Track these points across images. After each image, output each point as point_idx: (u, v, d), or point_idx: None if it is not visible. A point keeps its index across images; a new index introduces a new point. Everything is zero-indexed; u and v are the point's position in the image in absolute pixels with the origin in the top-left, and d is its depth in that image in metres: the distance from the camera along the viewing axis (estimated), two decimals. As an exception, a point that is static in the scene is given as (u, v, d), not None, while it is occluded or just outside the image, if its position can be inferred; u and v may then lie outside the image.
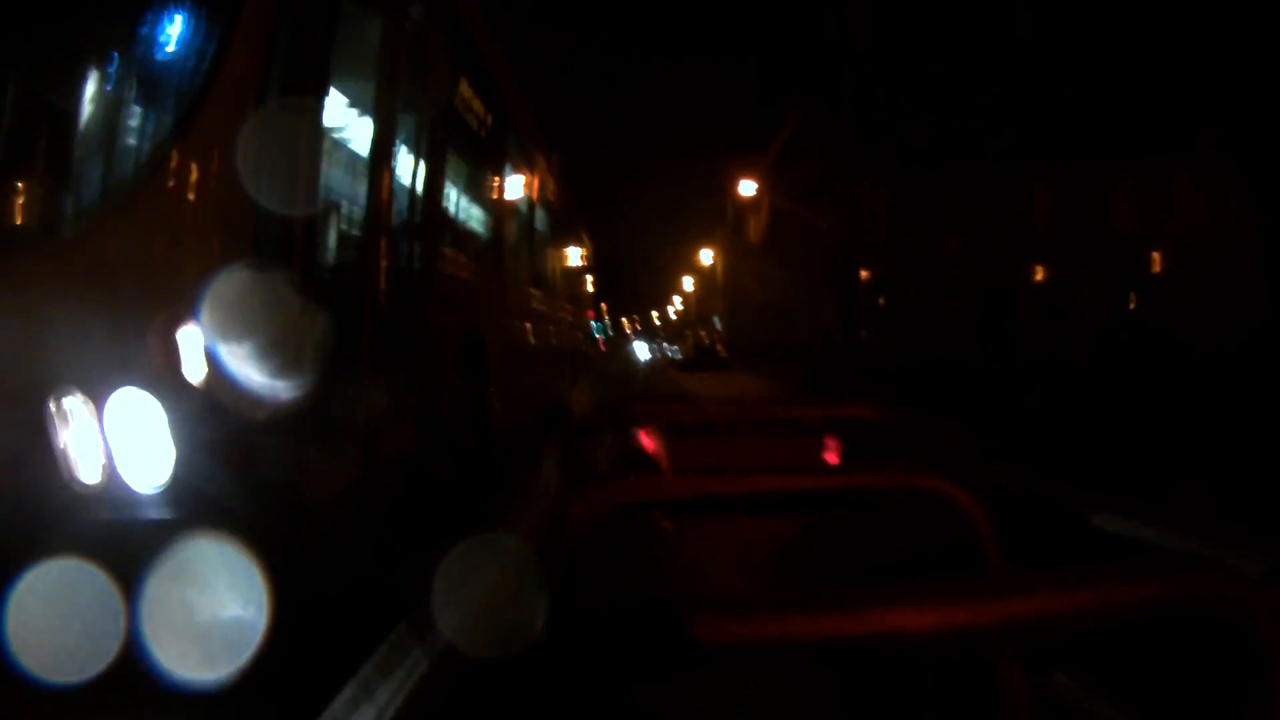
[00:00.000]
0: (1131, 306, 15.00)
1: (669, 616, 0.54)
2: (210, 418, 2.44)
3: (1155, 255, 14.98)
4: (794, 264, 22.73)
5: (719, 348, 30.25)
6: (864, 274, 17.66)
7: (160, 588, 2.10)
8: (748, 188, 29.64)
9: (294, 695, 1.99)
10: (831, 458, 1.50)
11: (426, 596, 2.24)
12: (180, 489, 2.35)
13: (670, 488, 1.19)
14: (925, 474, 1.17)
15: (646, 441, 1.47)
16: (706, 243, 48.30)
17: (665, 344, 50.07)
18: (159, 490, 2.36)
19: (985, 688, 1.05)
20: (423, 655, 2.09)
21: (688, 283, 63.78)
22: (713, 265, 49.99)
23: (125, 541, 2.22)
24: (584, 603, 1.07)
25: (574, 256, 13.06)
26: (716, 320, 46.98)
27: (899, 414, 1.48)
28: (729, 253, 42.67)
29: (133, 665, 1.97)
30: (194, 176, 2.68)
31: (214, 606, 2.22)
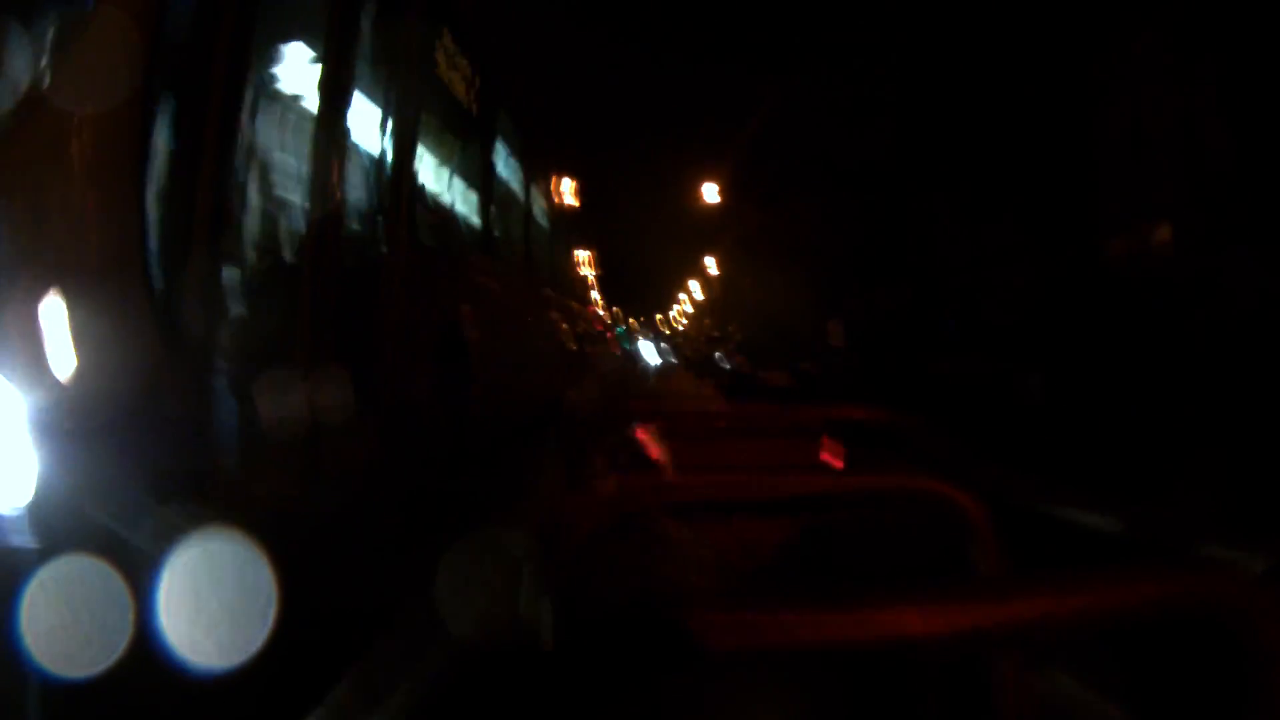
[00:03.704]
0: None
1: (669, 616, 0.54)
2: (83, 425, 1.98)
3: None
4: (740, 307, 39.68)
5: (693, 353, 52.37)
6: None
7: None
8: (710, 264, 46.88)
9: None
10: (831, 459, 1.50)
11: (426, 596, 2.22)
12: (46, 510, 1.92)
13: (670, 488, 1.19)
14: (924, 476, 1.17)
15: (647, 443, 1.48)
16: (696, 276, 65.36)
17: (665, 346, 64.45)
18: (19, 512, 1.92)
19: (985, 688, 1.05)
20: (424, 656, 2.08)
21: (687, 298, 78.11)
22: (703, 293, 66.31)
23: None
24: (584, 603, 1.07)
25: (575, 249, 12.55)
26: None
27: (898, 416, 1.48)
28: (706, 293, 60.95)
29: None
30: (61, 124, 2.07)
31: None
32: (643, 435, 1.48)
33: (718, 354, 23.63)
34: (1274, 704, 0.60)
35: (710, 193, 34.81)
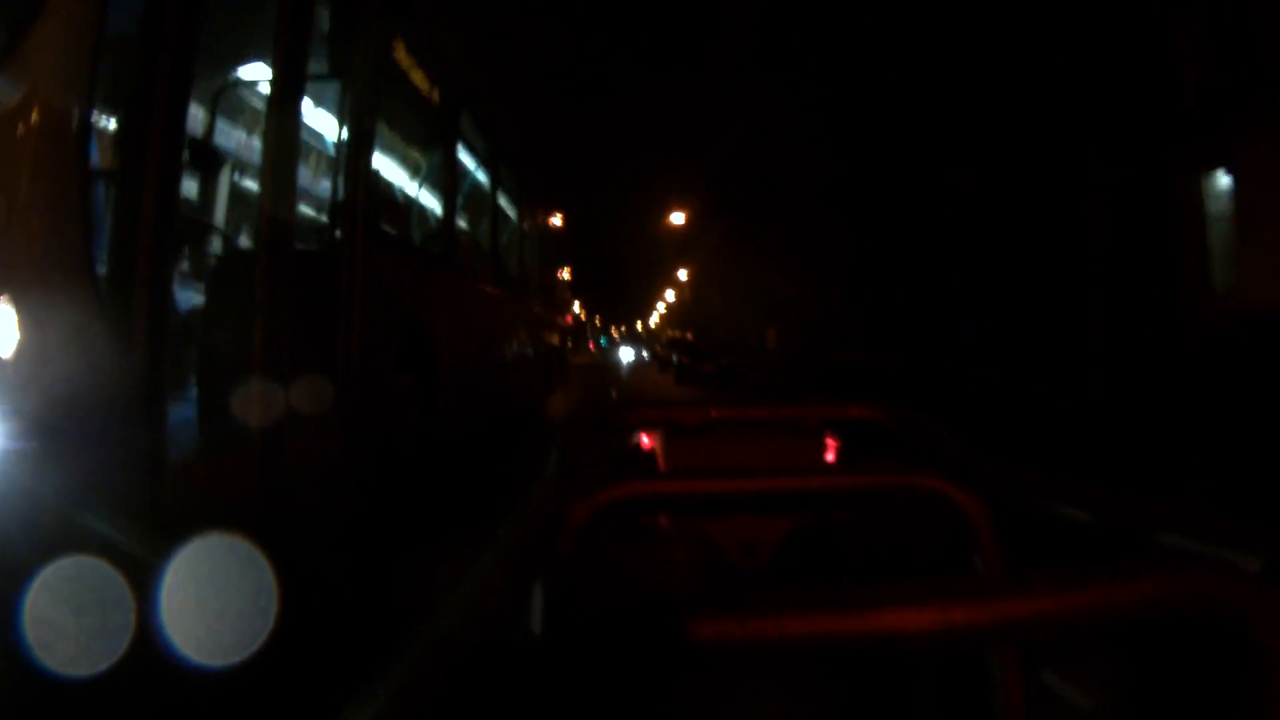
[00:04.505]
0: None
1: (667, 616, 0.54)
2: (31, 423, 1.91)
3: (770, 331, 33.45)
4: (702, 315, 46.42)
5: (661, 351, 55.84)
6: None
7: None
8: (682, 274, 53.73)
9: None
10: (830, 458, 1.50)
11: (422, 595, 2.21)
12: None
13: (668, 487, 1.18)
14: (924, 474, 1.16)
15: (644, 441, 1.47)
16: (671, 285, 72.94)
17: (642, 350, 71.68)
18: None
19: (983, 688, 1.05)
20: (417, 655, 2.07)
21: (664, 306, 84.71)
22: (675, 300, 73.30)
23: None
24: (581, 603, 1.07)
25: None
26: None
27: (899, 414, 1.47)
28: (680, 299, 68.25)
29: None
30: (5, 118, 1.95)
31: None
32: (640, 434, 1.48)
33: (673, 355, 30.67)
34: (1272, 704, 0.60)
35: (679, 216, 40.85)
